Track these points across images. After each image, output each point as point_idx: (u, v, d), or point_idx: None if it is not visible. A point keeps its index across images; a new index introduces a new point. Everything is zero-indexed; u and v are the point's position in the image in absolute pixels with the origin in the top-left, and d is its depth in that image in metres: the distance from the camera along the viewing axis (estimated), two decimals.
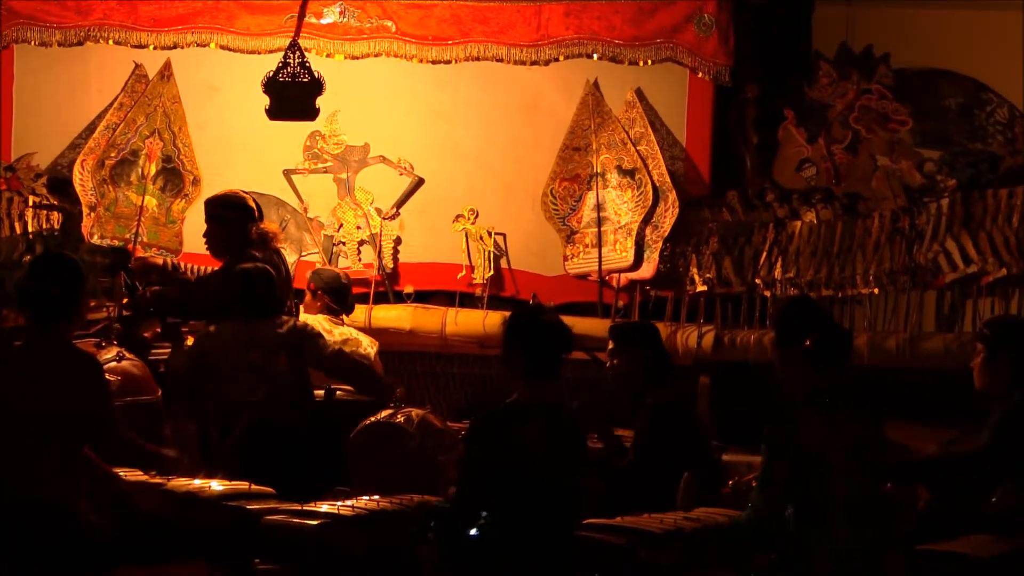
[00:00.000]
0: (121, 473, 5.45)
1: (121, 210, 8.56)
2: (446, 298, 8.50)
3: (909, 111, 8.07)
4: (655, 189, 8.15)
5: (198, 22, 8.52)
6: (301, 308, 7.48)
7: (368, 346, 7.51)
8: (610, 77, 8.35)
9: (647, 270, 8.17)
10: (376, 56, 8.49)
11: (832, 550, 4.68)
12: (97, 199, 8.54)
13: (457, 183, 8.62)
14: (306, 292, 7.68)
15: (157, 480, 5.59)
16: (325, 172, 8.68)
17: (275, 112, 7.77)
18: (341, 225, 8.62)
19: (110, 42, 8.60)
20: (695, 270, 8.02)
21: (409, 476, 6.19)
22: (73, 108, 8.81)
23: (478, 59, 8.42)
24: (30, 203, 8.50)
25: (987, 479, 5.47)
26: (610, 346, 6.39)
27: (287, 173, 8.68)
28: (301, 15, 8.31)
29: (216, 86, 8.77)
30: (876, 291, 7.66)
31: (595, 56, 8.29)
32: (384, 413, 6.58)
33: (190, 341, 6.97)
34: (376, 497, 5.45)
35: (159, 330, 7.27)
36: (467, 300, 8.47)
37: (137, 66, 8.69)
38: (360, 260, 8.59)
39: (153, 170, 8.55)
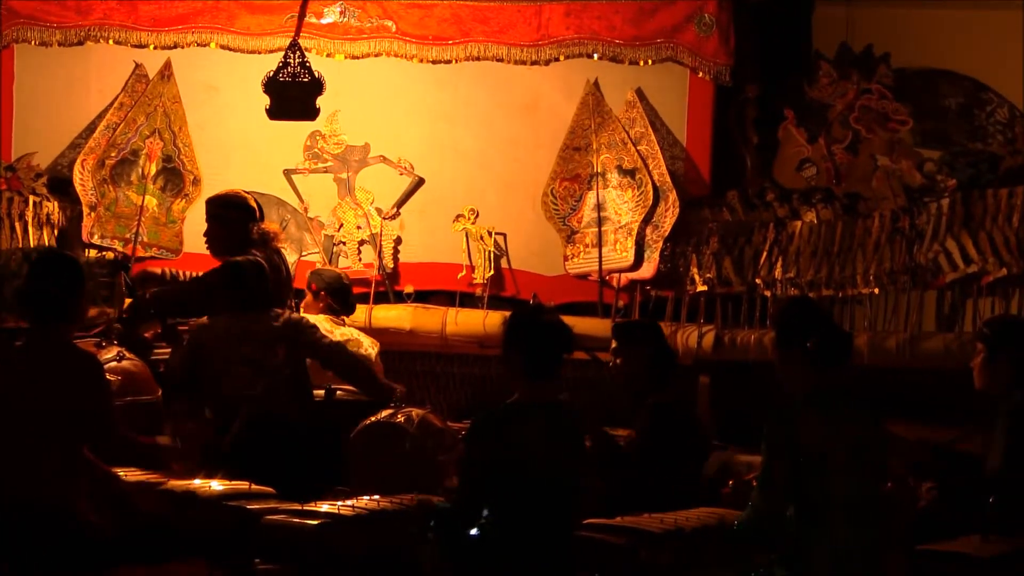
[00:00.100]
0: (121, 473, 5.46)
1: (121, 210, 8.56)
2: (446, 298, 8.50)
3: (909, 111, 8.07)
4: (655, 189, 8.15)
5: (198, 22, 8.52)
6: (301, 308, 7.48)
7: (369, 347, 7.51)
8: (610, 77, 8.35)
9: (647, 270, 8.17)
10: (376, 56, 8.49)
11: (832, 550, 4.68)
12: (97, 199, 8.54)
13: (457, 183, 8.62)
14: (306, 292, 7.68)
15: (157, 480, 5.60)
16: (325, 172, 8.68)
17: (275, 112, 7.77)
18: (341, 225, 8.62)
19: (110, 42, 8.60)
20: (695, 270, 8.02)
21: (409, 476, 6.18)
22: (73, 108, 8.81)
23: (478, 59, 8.42)
24: (29, 209, 8.47)
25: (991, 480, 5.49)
26: (613, 344, 6.39)
27: (287, 173, 8.68)
28: (301, 15, 8.31)
29: (216, 86, 8.77)
30: (876, 291, 7.65)
31: (595, 56, 8.28)
32: (384, 413, 6.58)
33: None
34: (376, 497, 5.45)
35: (159, 330, 7.27)
36: (467, 300, 8.46)
37: (137, 66, 8.69)
38: (360, 260, 8.59)
39: (153, 170, 8.55)
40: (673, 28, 8.18)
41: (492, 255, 8.44)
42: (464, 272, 8.48)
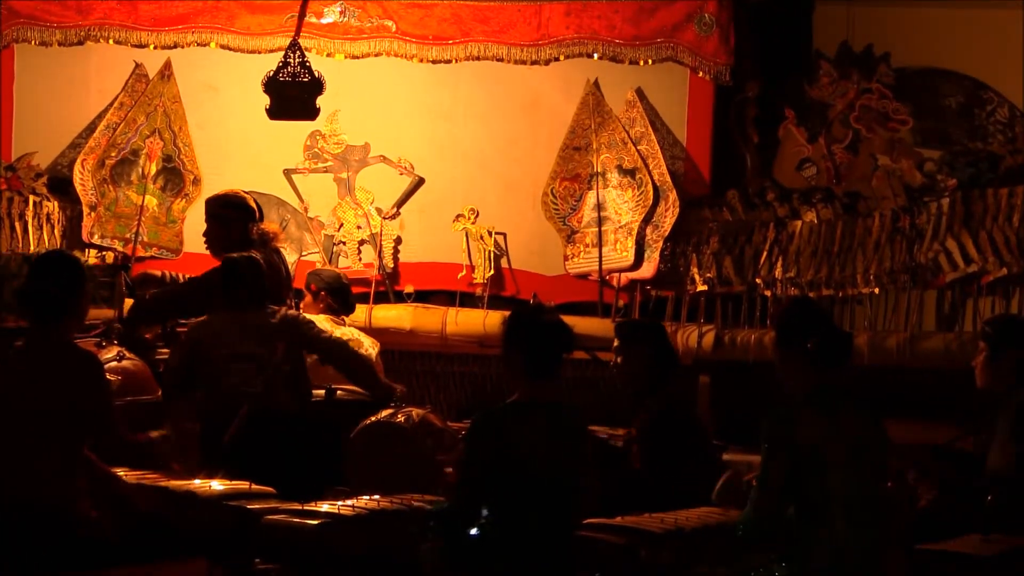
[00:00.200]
0: (121, 473, 5.45)
1: (121, 209, 8.56)
2: (446, 298, 8.50)
3: (909, 110, 8.07)
4: (655, 188, 8.15)
5: (198, 22, 8.53)
6: (301, 309, 7.48)
7: (370, 347, 7.51)
8: (610, 77, 8.35)
9: (647, 270, 8.17)
10: (376, 56, 8.49)
11: (832, 549, 4.67)
12: (97, 199, 8.54)
13: (457, 183, 8.62)
14: (306, 293, 7.67)
15: (157, 480, 5.60)
16: (325, 172, 8.68)
17: (275, 112, 7.77)
18: (341, 225, 8.62)
19: (110, 42, 8.60)
20: (695, 270, 8.02)
21: (409, 476, 6.19)
22: (73, 108, 8.81)
23: (478, 59, 8.42)
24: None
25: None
26: (615, 343, 6.39)
27: (287, 173, 8.68)
28: (301, 15, 8.31)
29: (216, 86, 8.77)
30: (876, 290, 7.65)
31: (595, 55, 8.28)
32: (384, 413, 6.58)
33: None
34: (376, 497, 5.45)
35: (159, 330, 7.27)
36: (467, 300, 8.46)
37: (137, 65, 8.69)
38: (360, 260, 8.59)
39: (153, 170, 8.55)
40: (673, 28, 8.19)
41: (492, 255, 8.44)
42: (464, 272, 8.48)
